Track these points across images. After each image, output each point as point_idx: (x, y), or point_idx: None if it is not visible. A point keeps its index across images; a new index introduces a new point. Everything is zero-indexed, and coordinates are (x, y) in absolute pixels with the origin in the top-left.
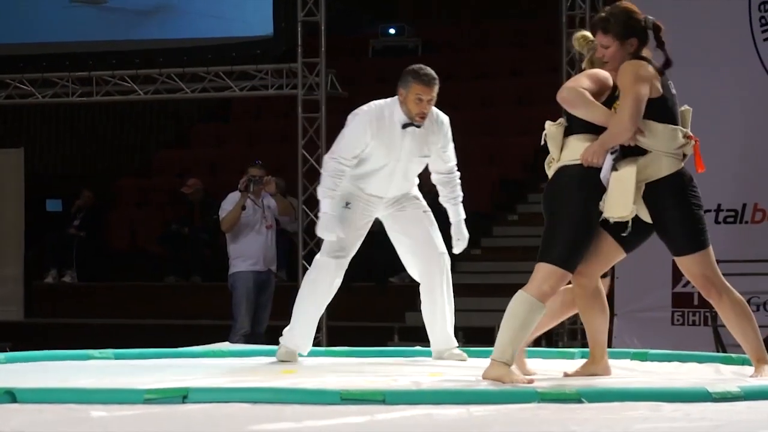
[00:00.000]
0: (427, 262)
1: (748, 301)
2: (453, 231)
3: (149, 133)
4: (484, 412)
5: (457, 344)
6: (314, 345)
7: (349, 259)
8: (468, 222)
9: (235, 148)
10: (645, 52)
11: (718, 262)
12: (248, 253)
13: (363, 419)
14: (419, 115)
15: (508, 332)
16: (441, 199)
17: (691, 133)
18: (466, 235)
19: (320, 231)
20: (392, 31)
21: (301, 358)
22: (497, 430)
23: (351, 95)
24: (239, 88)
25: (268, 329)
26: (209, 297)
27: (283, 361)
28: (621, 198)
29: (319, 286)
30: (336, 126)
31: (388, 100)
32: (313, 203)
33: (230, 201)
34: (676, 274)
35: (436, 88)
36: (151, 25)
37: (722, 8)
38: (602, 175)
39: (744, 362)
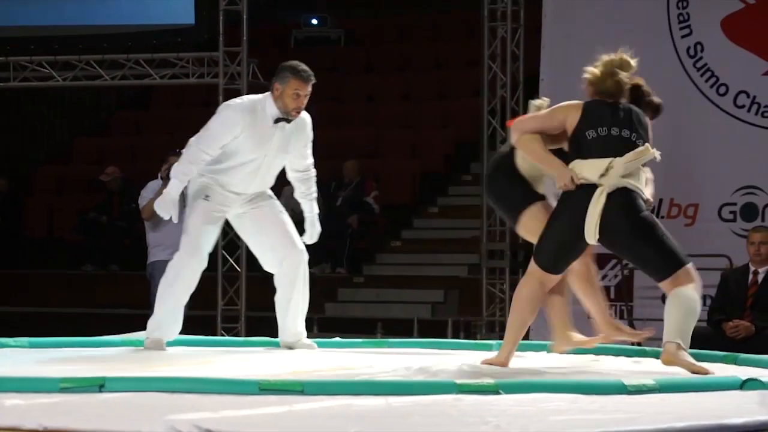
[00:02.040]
0: (288, 258)
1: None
2: (307, 225)
3: (68, 120)
4: (403, 403)
5: (306, 335)
6: (232, 335)
7: (205, 254)
8: (388, 214)
9: (155, 136)
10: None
11: None
12: (168, 242)
13: (281, 409)
14: (296, 110)
15: (687, 319)
16: (296, 195)
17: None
18: (319, 229)
19: (157, 208)
20: (315, 21)
21: (220, 348)
22: (415, 420)
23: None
24: (160, 76)
25: (187, 319)
26: (127, 286)
27: (151, 349)
28: None
29: (177, 284)
30: None
31: (260, 95)
32: None
33: (150, 189)
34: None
35: (312, 84)
36: (71, 10)
37: (641, 5)
38: None
39: (656, 355)
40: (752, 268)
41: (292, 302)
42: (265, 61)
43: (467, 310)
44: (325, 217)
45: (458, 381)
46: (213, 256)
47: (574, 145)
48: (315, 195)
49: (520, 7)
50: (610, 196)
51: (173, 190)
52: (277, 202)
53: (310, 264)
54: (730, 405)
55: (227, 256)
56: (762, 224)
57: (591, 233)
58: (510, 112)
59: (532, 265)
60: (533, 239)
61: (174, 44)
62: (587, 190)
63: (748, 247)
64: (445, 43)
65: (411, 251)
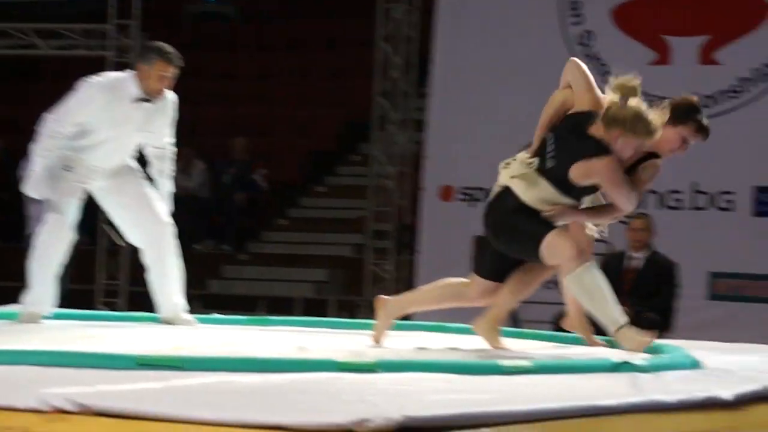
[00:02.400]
0: (155, 232)
1: None
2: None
3: None
4: (282, 380)
5: (184, 307)
6: (112, 309)
7: (70, 224)
8: (275, 192)
9: (41, 107)
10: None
11: None
12: None
13: (159, 385)
14: (159, 91)
15: (598, 305)
16: (153, 172)
17: None
18: (172, 207)
19: (26, 188)
20: None
21: (99, 322)
22: (294, 398)
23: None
24: (48, 47)
25: (66, 293)
26: (7, 258)
27: (26, 323)
28: None
29: (46, 256)
30: None
31: (123, 73)
32: None
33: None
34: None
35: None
36: None
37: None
38: None
39: (536, 337)
40: (628, 254)
41: (166, 276)
42: (157, 35)
43: (351, 290)
44: (212, 194)
45: (338, 359)
46: (93, 230)
47: None
48: (170, 173)
49: None
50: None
51: (36, 167)
52: (141, 174)
53: (195, 240)
54: (603, 387)
55: (107, 230)
56: (642, 212)
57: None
58: (402, 95)
59: None
60: (560, 258)
61: (63, 15)
62: None
63: (627, 233)
64: (339, 22)
65: (297, 230)
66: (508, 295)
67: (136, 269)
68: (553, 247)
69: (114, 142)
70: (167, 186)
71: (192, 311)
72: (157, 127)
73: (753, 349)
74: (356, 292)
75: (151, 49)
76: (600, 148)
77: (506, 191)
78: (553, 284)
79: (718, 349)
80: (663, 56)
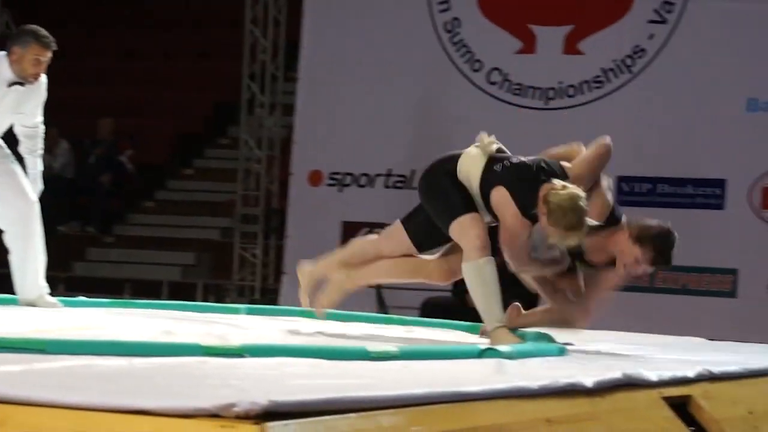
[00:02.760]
0: (20, 211)
1: None
2: (29, 181)
3: None
4: (147, 364)
5: (48, 290)
6: None
7: None
8: (142, 174)
9: None
10: None
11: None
12: None
13: (20, 368)
14: (34, 75)
15: (487, 299)
16: (21, 150)
17: None
18: (41, 186)
19: None
20: None
21: None
22: (158, 382)
23: None
24: None
25: None
26: None
27: None
28: None
29: None
30: None
31: None
32: None
33: None
34: (346, 236)
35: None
36: None
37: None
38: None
39: (402, 322)
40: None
41: (28, 257)
42: (20, 13)
43: (218, 274)
44: (77, 174)
45: (203, 343)
46: None
47: None
48: (40, 152)
49: None
50: None
51: None
52: (8, 152)
53: (60, 222)
54: (469, 373)
55: None
56: None
57: None
58: (269, 77)
59: None
60: (465, 241)
61: None
62: None
63: None
64: (208, 3)
65: (164, 212)
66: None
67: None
68: (466, 229)
69: None
70: (37, 165)
71: (56, 294)
72: (29, 108)
73: (614, 336)
74: (224, 276)
75: (26, 32)
76: (527, 196)
77: (457, 157)
78: None
79: (582, 337)
80: (528, 45)
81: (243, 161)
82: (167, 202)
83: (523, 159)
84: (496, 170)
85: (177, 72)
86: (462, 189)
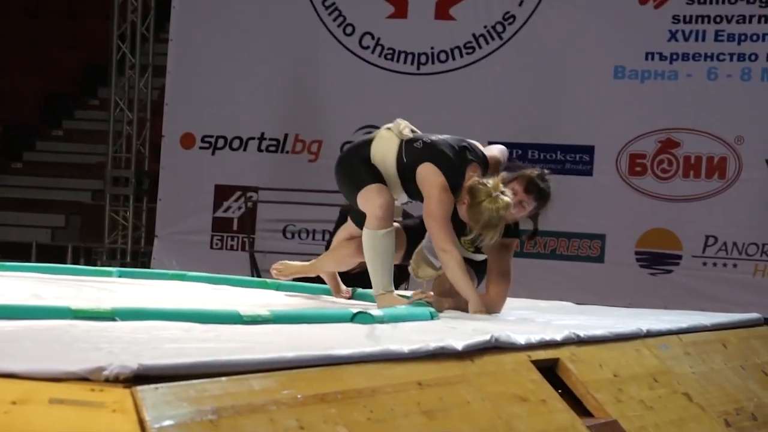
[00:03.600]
0: None
1: (284, 229)
2: None
3: None
4: (15, 327)
5: None
6: None
7: None
8: (10, 135)
9: None
10: None
11: (258, 189)
12: None
13: None
14: None
15: (379, 267)
16: None
17: None
18: None
19: None
20: None
21: None
22: (26, 345)
23: None
24: None
25: None
26: None
27: None
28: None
29: None
30: None
31: None
32: None
33: None
34: (218, 199)
35: None
36: None
37: None
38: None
39: (278, 287)
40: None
41: None
42: None
43: (89, 237)
44: None
45: (72, 306)
46: None
47: None
48: None
49: None
50: None
51: None
52: None
53: None
54: (341, 337)
55: None
56: None
57: None
58: (140, 38)
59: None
60: (369, 209)
61: None
62: None
63: None
64: None
65: (33, 174)
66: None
67: None
68: (371, 198)
69: None
70: None
71: None
72: None
73: None
74: (95, 239)
75: None
76: (453, 174)
77: (370, 142)
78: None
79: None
80: (400, 10)
81: (114, 123)
82: (36, 163)
83: (440, 137)
84: (417, 147)
85: (46, 32)
86: (373, 168)
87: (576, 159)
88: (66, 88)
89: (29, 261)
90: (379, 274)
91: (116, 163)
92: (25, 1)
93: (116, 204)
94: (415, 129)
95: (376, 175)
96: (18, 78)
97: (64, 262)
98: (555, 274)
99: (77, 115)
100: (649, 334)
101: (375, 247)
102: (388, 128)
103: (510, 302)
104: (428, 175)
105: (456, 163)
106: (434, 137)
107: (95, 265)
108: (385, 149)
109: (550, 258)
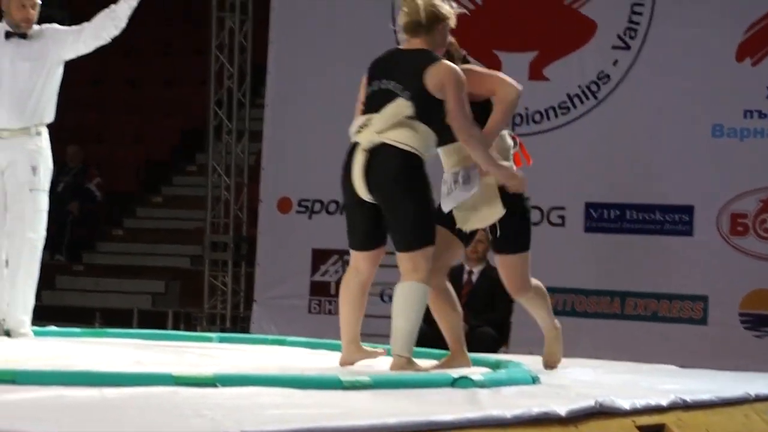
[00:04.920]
0: (15, 242)
1: (382, 293)
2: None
3: None
4: (118, 394)
5: (28, 324)
6: None
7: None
8: (111, 202)
9: None
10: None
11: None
12: None
13: None
14: (24, 20)
15: (408, 324)
16: (110, 10)
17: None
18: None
19: None
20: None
21: None
22: (130, 413)
23: None
24: None
25: None
26: None
27: None
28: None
29: None
30: None
31: None
32: None
33: None
34: (316, 263)
35: None
36: None
37: (366, 3)
38: (460, 193)
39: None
40: (467, 268)
41: (15, 288)
42: None
43: (188, 302)
44: None
45: (174, 373)
46: None
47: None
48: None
49: None
50: (372, 152)
51: None
52: (37, 180)
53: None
54: (441, 402)
55: None
56: None
57: (362, 191)
58: (236, 104)
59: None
60: (414, 266)
61: None
62: (353, 148)
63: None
64: (174, 30)
65: (133, 240)
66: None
67: None
68: (421, 256)
69: None
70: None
71: None
72: (52, 56)
73: (587, 364)
74: (194, 304)
75: None
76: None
77: (381, 149)
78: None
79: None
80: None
81: (212, 188)
82: (136, 230)
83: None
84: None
85: (144, 99)
86: (420, 185)
87: (675, 219)
88: (164, 155)
89: (131, 327)
90: (409, 336)
91: (214, 229)
92: (124, 70)
93: (215, 269)
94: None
95: (430, 211)
96: (118, 146)
97: (165, 328)
98: (657, 337)
99: (176, 181)
100: (758, 399)
101: (414, 304)
102: (364, 129)
103: (612, 366)
104: (435, 72)
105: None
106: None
107: (195, 331)
108: (412, 130)
109: (652, 320)
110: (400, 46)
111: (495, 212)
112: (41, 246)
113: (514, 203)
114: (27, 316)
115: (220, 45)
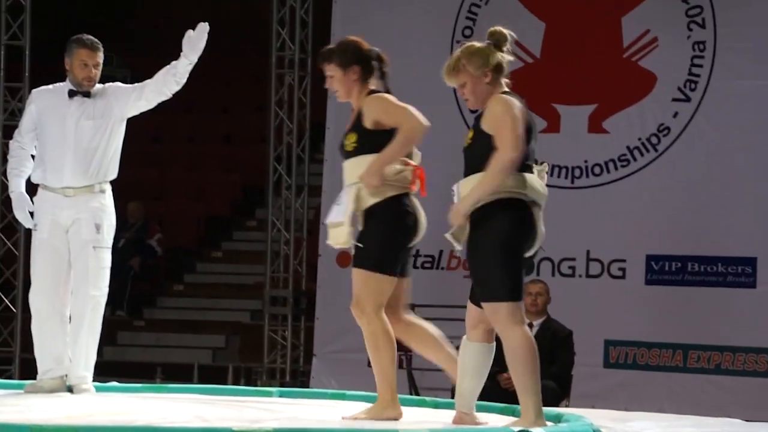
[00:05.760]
0: (78, 299)
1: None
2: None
3: None
4: None
5: (90, 379)
6: (5, 377)
7: (57, 288)
8: (171, 257)
9: None
10: (373, 83)
11: (416, 306)
12: None
13: None
14: (86, 79)
15: (530, 380)
16: (171, 68)
17: (408, 160)
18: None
19: (14, 209)
20: None
21: None
22: None
23: None
24: None
25: None
26: None
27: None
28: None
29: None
30: None
31: None
32: (10, 232)
33: None
34: None
35: (101, 54)
36: None
37: (426, 56)
38: (338, 212)
39: (437, 405)
40: (527, 321)
41: (77, 344)
42: None
43: (249, 357)
44: None
45: (235, 427)
46: None
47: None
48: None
49: (307, 55)
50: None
51: (10, 187)
52: (101, 237)
53: None
54: None
55: (2, 297)
56: (538, 277)
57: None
58: (296, 159)
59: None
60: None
61: None
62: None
63: (524, 299)
64: (233, 87)
65: (193, 295)
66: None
67: (29, 336)
68: (511, 315)
69: (57, 138)
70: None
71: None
72: (115, 113)
73: (651, 418)
74: (254, 359)
75: (71, 40)
76: None
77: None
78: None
79: (616, 417)
80: (553, 125)
81: (271, 243)
82: (196, 284)
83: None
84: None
85: (204, 155)
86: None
87: (738, 271)
88: (224, 210)
89: (191, 382)
90: (535, 393)
91: (274, 283)
92: (184, 128)
93: (275, 323)
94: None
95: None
96: (178, 202)
97: (225, 383)
98: (721, 390)
99: (236, 236)
100: None
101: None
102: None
103: (675, 419)
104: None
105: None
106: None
107: (255, 385)
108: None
109: (715, 373)
110: None
111: (341, 234)
112: (104, 302)
113: (369, 220)
114: (89, 372)
115: (280, 101)
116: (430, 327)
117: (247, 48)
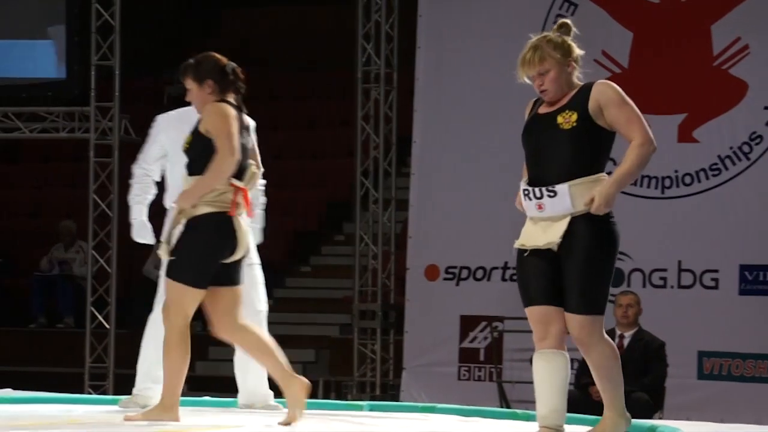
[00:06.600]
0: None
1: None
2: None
3: None
4: None
5: (272, 396)
6: (100, 393)
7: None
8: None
9: (23, 191)
10: (231, 98)
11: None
12: None
13: None
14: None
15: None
16: None
17: (235, 182)
18: (261, 239)
19: (134, 237)
20: None
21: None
22: None
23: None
24: (29, 130)
25: (53, 375)
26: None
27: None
28: None
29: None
30: (129, 172)
31: None
32: (102, 250)
33: None
34: (464, 330)
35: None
36: None
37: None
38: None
39: (528, 418)
40: (618, 332)
41: (252, 363)
42: (138, 116)
43: (338, 371)
44: None
45: None
46: (82, 313)
47: None
48: (261, 204)
49: (393, 69)
50: None
51: (132, 214)
52: (254, 254)
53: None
54: None
55: (96, 313)
56: (628, 289)
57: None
58: (383, 173)
59: None
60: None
61: (44, 98)
62: None
63: (615, 310)
64: (319, 102)
65: (283, 310)
66: None
67: (122, 352)
68: (597, 323)
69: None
70: (258, 220)
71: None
72: None
73: (745, 429)
74: (344, 373)
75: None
76: None
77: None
78: None
79: (712, 429)
80: None
81: (359, 257)
82: (286, 299)
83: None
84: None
85: (291, 171)
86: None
87: None
88: (312, 226)
89: (282, 396)
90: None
91: (363, 297)
92: (271, 144)
93: (364, 337)
94: None
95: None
96: (267, 218)
97: (316, 397)
98: None
99: (324, 251)
100: None
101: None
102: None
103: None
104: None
105: None
106: None
107: (345, 399)
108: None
109: None
110: None
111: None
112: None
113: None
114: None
115: (366, 116)
116: (263, 334)
117: (333, 63)
